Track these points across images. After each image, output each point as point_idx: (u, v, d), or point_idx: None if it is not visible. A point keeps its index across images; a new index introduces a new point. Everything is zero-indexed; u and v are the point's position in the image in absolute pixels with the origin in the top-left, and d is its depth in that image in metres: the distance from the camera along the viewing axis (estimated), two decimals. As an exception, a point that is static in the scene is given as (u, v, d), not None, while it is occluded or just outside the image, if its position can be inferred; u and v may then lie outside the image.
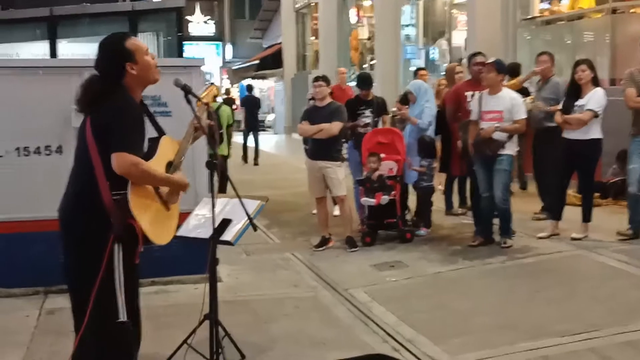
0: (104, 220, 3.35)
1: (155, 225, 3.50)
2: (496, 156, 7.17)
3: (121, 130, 3.37)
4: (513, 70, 9.48)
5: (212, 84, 3.91)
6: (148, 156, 3.51)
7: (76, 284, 3.55)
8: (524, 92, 8.80)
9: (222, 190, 12.93)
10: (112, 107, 3.42)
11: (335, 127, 7.52)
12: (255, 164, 17.00)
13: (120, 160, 3.30)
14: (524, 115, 7.24)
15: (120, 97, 3.47)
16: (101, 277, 3.36)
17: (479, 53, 8.36)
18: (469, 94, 8.09)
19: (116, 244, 3.39)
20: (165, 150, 3.63)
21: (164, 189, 3.61)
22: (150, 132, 3.67)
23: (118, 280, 3.41)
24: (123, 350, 3.53)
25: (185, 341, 4.35)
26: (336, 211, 8.74)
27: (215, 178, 4.12)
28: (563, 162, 7.65)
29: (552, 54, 8.67)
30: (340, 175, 7.69)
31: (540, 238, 7.60)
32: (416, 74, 10.54)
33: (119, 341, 3.48)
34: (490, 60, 7.41)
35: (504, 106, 7.16)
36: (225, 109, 11.56)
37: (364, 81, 8.81)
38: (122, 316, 3.43)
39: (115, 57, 3.53)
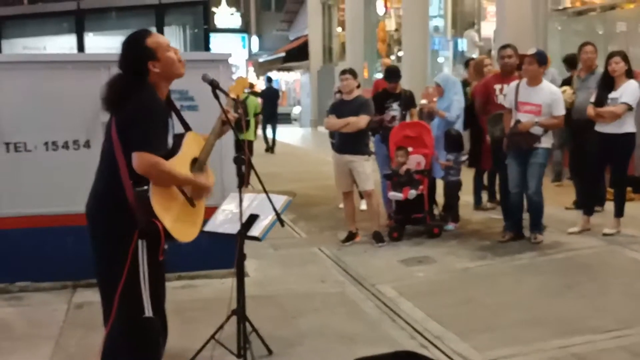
0: (129, 217, 3.36)
1: (179, 222, 3.49)
2: (531, 149, 7.05)
3: (143, 128, 3.36)
4: (572, 62, 9.29)
5: (241, 76, 3.90)
6: (172, 153, 3.49)
7: (103, 280, 3.57)
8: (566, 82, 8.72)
9: (246, 179, 13.52)
10: (135, 105, 3.41)
11: (362, 120, 7.45)
12: (272, 152, 17.91)
13: (141, 160, 3.30)
14: (563, 112, 7.10)
15: (143, 95, 3.45)
16: (126, 273, 3.38)
17: (509, 45, 8.23)
18: (497, 87, 7.98)
19: (140, 241, 3.40)
20: (190, 147, 3.61)
21: (188, 187, 3.59)
22: (177, 128, 3.67)
23: (143, 277, 3.43)
24: (149, 345, 3.56)
25: (212, 336, 4.35)
26: (363, 205, 8.70)
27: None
28: (596, 157, 7.53)
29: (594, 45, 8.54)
30: (367, 170, 7.62)
31: (571, 233, 7.49)
32: (467, 64, 10.18)
33: (145, 336, 3.52)
34: (531, 52, 7.22)
35: (543, 100, 7.00)
36: (253, 99, 12.92)
37: (392, 74, 8.73)
38: (148, 312, 3.46)
39: (137, 57, 3.51)
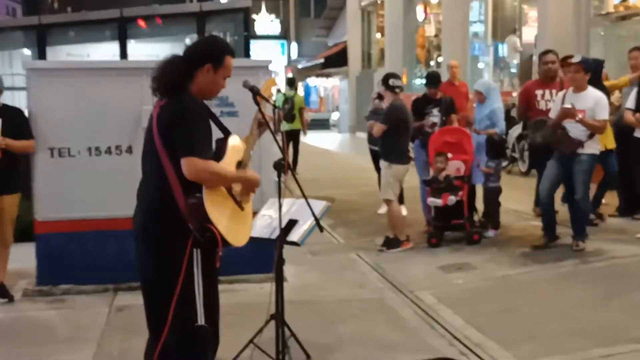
0: (181, 226, 3.33)
1: (232, 227, 3.47)
2: (575, 156, 6.94)
3: (188, 133, 3.35)
4: None
5: (271, 77, 3.90)
6: (217, 157, 3.49)
7: (155, 289, 3.52)
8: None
9: (295, 163, 14.25)
10: (178, 107, 3.40)
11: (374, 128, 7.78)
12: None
13: (191, 166, 3.29)
14: (606, 116, 6.97)
15: (186, 98, 3.45)
16: (182, 283, 3.35)
17: (550, 51, 8.14)
18: (539, 92, 7.89)
19: (195, 249, 3.38)
20: (235, 150, 3.61)
21: (237, 189, 3.57)
22: (215, 133, 3.68)
23: (197, 286, 3.41)
24: (200, 354, 3.52)
25: (251, 340, 4.37)
26: (380, 210, 8.97)
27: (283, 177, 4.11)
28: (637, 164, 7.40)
29: None
30: (389, 178, 7.60)
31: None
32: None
33: (197, 345, 3.48)
34: (576, 59, 7.08)
35: (587, 105, 6.89)
36: (298, 96, 15.57)
37: (432, 80, 8.68)
38: (201, 320, 3.42)
39: (207, 52, 3.53)
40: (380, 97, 9.48)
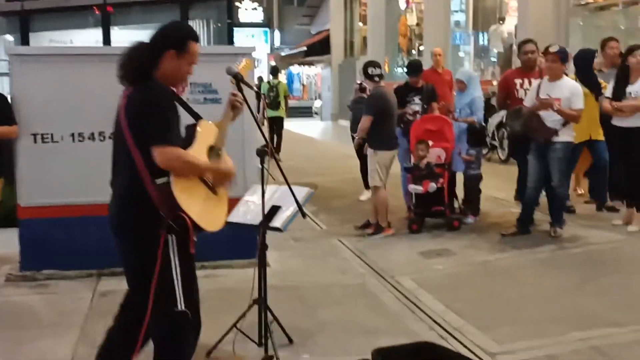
0: (154, 214, 3.33)
1: (205, 212, 3.46)
2: (550, 144, 7.06)
3: (157, 122, 3.33)
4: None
5: (247, 58, 3.87)
6: (187, 143, 3.47)
7: (134, 278, 3.55)
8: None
9: (278, 149, 14.87)
10: (145, 96, 3.38)
11: (362, 122, 7.80)
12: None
13: (162, 155, 3.28)
14: (581, 105, 7.06)
15: (152, 85, 3.42)
16: (158, 270, 3.36)
17: (530, 40, 8.23)
18: (518, 81, 7.99)
19: (169, 235, 3.38)
20: (205, 135, 3.57)
21: (209, 175, 3.55)
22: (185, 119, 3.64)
23: (175, 272, 3.42)
24: (183, 338, 3.55)
25: (234, 325, 4.42)
26: (362, 196, 9.12)
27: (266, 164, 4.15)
28: (618, 152, 7.52)
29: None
30: (374, 164, 7.72)
31: (615, 225, 7.51)
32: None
33: (179, 330, 3.51)
34: (554, 49, 7.11)
35: (562, 94, 7.00)
36: (282, 84, 15.92)
37: (414, 68, 8.75)
38: (181, 306, 3.44)
39: (171, 38, 3.51)
40: (362, 89, 9.50)
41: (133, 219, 3.44)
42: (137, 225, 3.43)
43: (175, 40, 3.51)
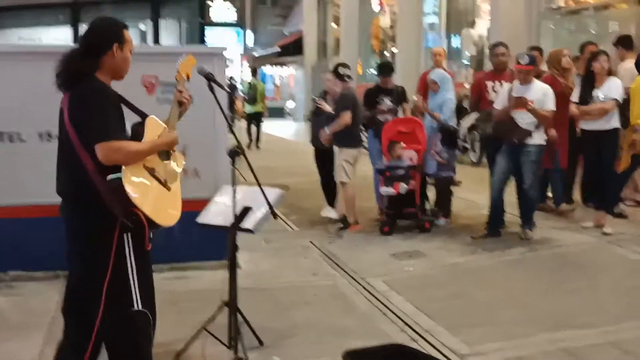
0: (106, 214, 3.28)
1: (159, 207, 3.42)
2: (523, 146, 7.10)
3: (97, 118, 3.30)
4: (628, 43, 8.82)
5: (190, 55, 3.84)
6: (136, 139, 3.44)
7: (86, 278, 3.46)
8: None
9: (257, 141, 17.21)
10: (83, 94, 3.36)
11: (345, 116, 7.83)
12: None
13: (104, 150, 3.24)
14: (553, 107, 7.14)
15: (93, 84, 3.40)
16: (112, 269, 3.31)
17: (501, 43, 8.29)
18: (490, 84, 8.05)
19: (124, 234, 3.34)
20: (153, 132, 3.53)
21: (160, 169, 3.50)
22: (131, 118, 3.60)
23: (131, 271, 3.38)
24: (141, 338, 3.51)
25: (204, 327, 4.38)
26: (325, 212, 8.87)
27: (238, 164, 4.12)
28: (586, 155, 7.62)
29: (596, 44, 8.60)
30: (340, 161, 7.92)
31: (585, 228, 7.58)
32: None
33: (137, 329, 3.46)
34: (524, 61, 7.09)
35: (534, 96, 7.07)
36: (260, 83, 18.59)
37: (384, 69, 8.77)
38: (137, 305, 3.40)
39: (108, 34, 3.49)
40: (325, 93, 9.22)
41: (83, 218, 3.39)
42: (88, 225, 3.38)
43: (114, 34, 3.50)
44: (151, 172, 3.46)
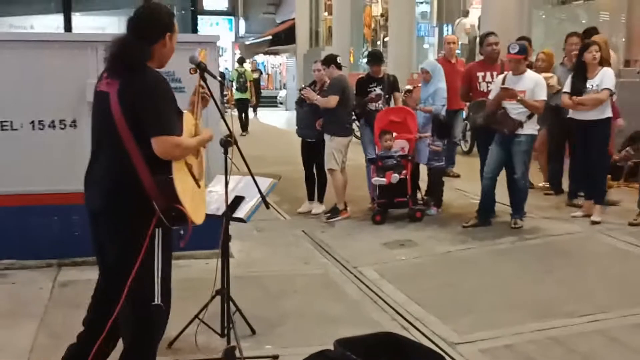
0: (145, 205, 3.28)
1: (195, 204, 3.46)
2: (514, 136, 7.15)
3: (159, 112, 3.29)
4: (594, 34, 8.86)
5: (202, 50, 3.88)
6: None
7: (115, 267, 3.46)
8: None
9: (246, 127, 17.83)
10: (146, 86, 3.31)
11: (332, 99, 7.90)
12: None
13: (163, 145, 3.25)
14: (544, 97, 7.20)
15: (151, 74, 3.37)
16: (141, 261, 3.31)
17: (492, 33, 8.30)
18: (480, 74, 8.07)
19: (157, 228, 3.35)
20: (188, 126, 3.55)
21: (195, 166, 3.53)
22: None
23: (156, 265, 3.39)
24: (155, 331, 3.54)
25: (197, 316, 4.41)
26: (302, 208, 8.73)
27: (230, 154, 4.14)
28: (578, 145, 7.66)
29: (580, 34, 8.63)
30: (331, 149, 7.96)
31: (574, 217, 7.64)
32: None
33: (152, 323, 3.48)
34: (514, 50, 7.11)
35: (526, 86, 7.11)
36: (248, 71, 19.86)
37: (375, 58, 8.76)
38: (157, 299, 3.41)
39: (162, 23, 3.49)
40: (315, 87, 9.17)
41: (123, 210, 3.36)
42: (127, 217, 3.36)
43: (167, 22, 3.50)
44: (189, 168, 3.50)
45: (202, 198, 3.67)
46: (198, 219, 3.49)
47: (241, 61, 20.53)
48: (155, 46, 3.45)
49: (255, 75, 24.65)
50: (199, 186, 3.59)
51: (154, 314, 3.44)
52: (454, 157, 10.38)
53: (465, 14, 16.63)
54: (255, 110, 23.91)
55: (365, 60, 20.42)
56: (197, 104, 3.74)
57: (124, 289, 3.34)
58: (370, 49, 19.88)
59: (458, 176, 10.09)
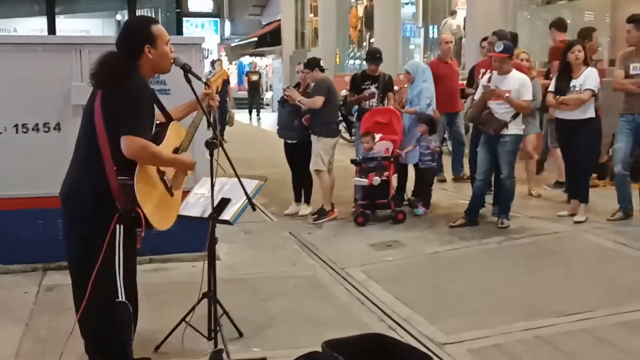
0: (108, 203, 3.43)
1: (158, 211, 3.57)
2: (499, 137, 7.17)
3: (133, 113, 3.42)
4: (561, 25, 9.10)
5: (223, 68, 4.01)
6: (156, 141, 3.57)
7: (77, 265, 3.62)
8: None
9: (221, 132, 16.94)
10: (125, 88, 3.45)
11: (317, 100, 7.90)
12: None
13: (130, 144, 3.36)
14: (530, 97, 7.24)
15: (135, 79, 3.51)
16: (102, 258, 3.43)
17: (494, 33, 8.25)
18: (482, 71, 8.13)
19: (118, 226, 3.46)
20: (173, 137, 3.71)
21: (169, 174, 3.67)
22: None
23: (118, 262, 3.51)
24: (122, 329, 3.62)
25: (183, 319, 4.38)
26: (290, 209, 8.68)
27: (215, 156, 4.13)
28: (563, 145, 7.69)
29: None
30: (318, 150, 7.96)
31: (561, 216, 7.67)
32: None
33: (118, 320, 3.58)
34: (499, 48, 7.15)
35: (512, 86, 7.13)
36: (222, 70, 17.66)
37: (373, 56, 8.71)
38: (121, 296, 3.52)
39: (138, 37, 3.59)
40: (297, 85, 9.11)
41: (85, 205, 3.50)
42: (90, 212, 3.50)
43: (143, 36, 3.60)
44: (162, 175, 3.63)
45: (172, 206, 3.78)
46: (161, 225, 3.62)
47: (213, 63, 20.21)
48: (140, 59, 3.59)
49: (255, 78, 24.80)
50: (171, 194, 3.71)
51: (116, 311, 3.54)
52: (441, 164, 10.31)
53: (452, 14, 16.66)
54: (258, 114, 24.57)
55: (352, 61, 20.49)
56: (197, 117, 3.93)
57: (88, 286, 3.46)
58: (358, 50, 19.92)
59: (444, 180, 10.04)
